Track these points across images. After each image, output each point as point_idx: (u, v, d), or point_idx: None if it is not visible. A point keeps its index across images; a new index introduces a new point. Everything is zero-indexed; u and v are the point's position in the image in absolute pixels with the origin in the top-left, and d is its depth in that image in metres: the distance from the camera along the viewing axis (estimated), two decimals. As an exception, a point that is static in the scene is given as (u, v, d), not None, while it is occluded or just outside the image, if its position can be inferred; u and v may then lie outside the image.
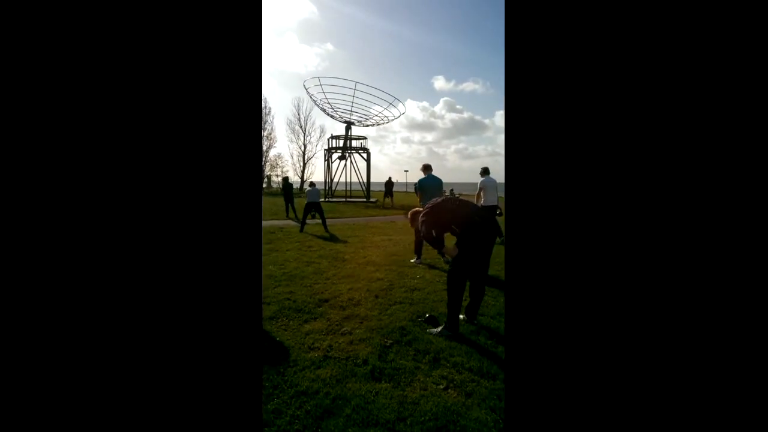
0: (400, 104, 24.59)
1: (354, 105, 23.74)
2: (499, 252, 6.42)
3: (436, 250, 5.95)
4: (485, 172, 6.74)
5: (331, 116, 24.63)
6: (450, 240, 2.99)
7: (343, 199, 22.93)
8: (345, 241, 7.44)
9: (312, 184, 10.31)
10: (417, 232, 5.65)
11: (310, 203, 9.31)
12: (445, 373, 2.30)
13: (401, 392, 2.09)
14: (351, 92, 23.11)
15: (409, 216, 3.46)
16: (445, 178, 5.78)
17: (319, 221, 9.39)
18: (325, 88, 23.36)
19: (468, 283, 3.04)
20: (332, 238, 7.81)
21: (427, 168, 5.73)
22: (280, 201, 14.10)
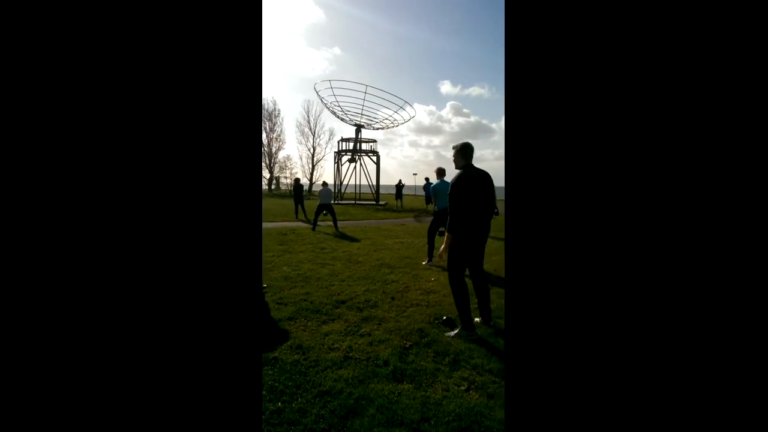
0: (410, 107, 24.60)
1: (364, 108, 23.88)
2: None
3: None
4: None
5: (341, 119, 24.81)
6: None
7: (353, 202, 23.02)
8: (357, 244, 7.48)
9: (324, 183, 10.61)
10: (428, 234, 5.69)
11: (323, 204, 9.65)
12: (465, 375, 2.31)
13: (423, 393, 2.10)
14: (361, 95, 23.28)
15: None
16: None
17: (331, 222, 9.63)
18: (336, 91, 23.58)
19: (471, 284, 3.11)
20: (345, 241, 7.85)
21: (441, 173, 5.78)
22: (290, 202, 14.21)
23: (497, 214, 8.09)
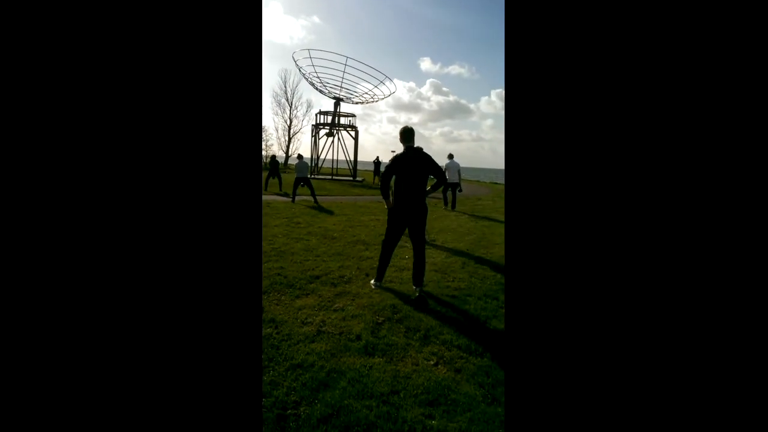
0: (390, 83, 24.13)
1: (344, 81, 23.26)
2: (485, 234, 6.55)
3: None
4: (450, 156, 9.72)
5: (320, 91, 24.11)
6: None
7: (330, 177, 22.74)
8: (333, 219, 7.44)
9: (300, 156, 10.62)
10: None
11: (300, 178, 9.68)
12: (435, 350, 2.39)
13: (394, 367, 2.17)
14: (341, 67, 22.59)
15: None
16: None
17: (307, 196, 9.66)
18: (315, 62, 22.77)
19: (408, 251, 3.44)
20: (320, 216, 7.80)
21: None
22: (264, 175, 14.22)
23: (461, 191, 9.88)
